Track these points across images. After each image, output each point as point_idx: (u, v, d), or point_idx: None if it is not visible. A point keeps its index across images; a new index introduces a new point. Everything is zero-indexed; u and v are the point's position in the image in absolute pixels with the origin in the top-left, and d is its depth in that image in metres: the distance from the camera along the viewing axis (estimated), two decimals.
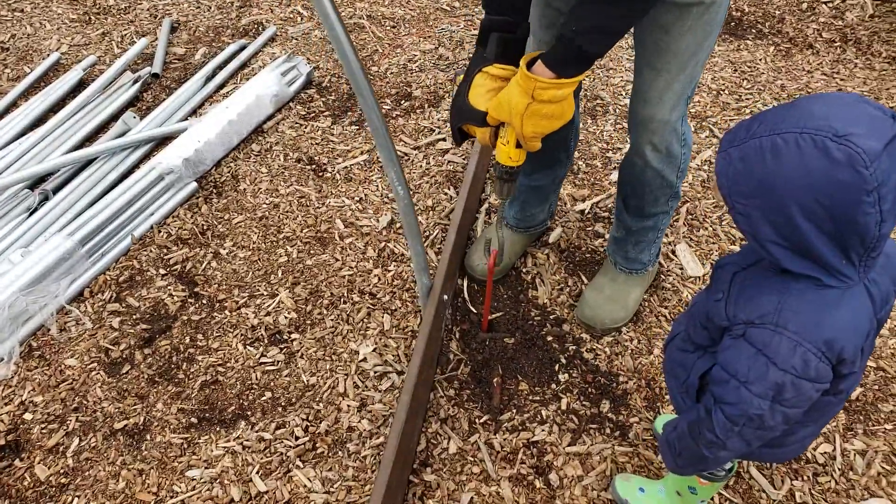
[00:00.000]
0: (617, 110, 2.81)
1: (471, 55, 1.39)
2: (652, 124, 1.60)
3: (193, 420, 1.86)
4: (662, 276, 2.16)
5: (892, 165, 0.86)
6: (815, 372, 1.01)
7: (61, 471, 1.77)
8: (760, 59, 3.09)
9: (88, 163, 2.58)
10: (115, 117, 2.83)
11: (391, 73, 3.09)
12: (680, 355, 1.28)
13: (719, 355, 1.12)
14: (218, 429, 1.84)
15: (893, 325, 2.00)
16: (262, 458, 1.77)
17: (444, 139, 2.70)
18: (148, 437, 1.83)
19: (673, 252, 2.24)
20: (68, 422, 1.87)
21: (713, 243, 2.26)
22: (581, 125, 2.74)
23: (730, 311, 1.10)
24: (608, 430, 1.80)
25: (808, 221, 0.92)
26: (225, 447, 1.80)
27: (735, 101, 2.85)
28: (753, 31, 3.30)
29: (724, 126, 2.72)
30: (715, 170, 1.02)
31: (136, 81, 2.94)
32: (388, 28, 3.40)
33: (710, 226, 2.32)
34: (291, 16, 3.51)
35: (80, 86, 3.00)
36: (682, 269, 2.18)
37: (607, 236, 2.27)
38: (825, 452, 1.71)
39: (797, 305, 1.01)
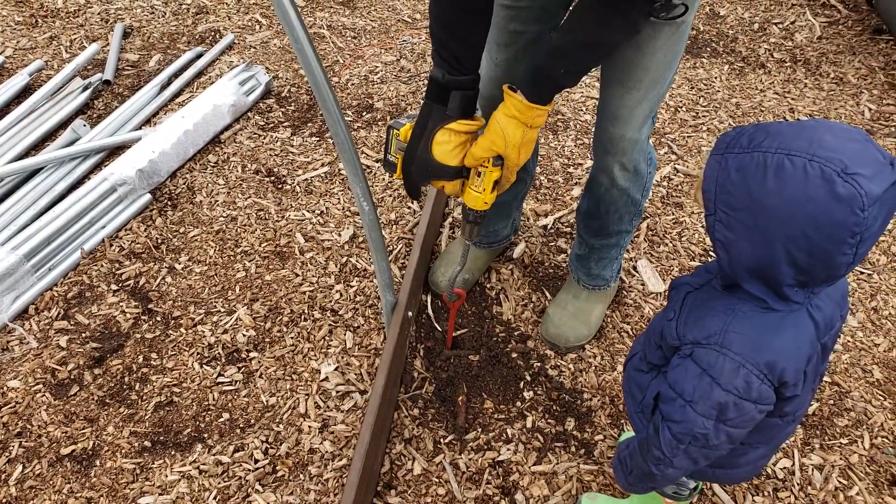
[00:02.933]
0: (578, 126, 2.83)
1: (423, 97, 1.41)
2: (622, 143, 1.60)
3: (147, 444, 1.78)
4: (624, 293, 2.18)
5: (880, 212, 0.87)
6: (756, 393, 1.03)
7: (3, 500, 1.67)
8: (716, 78, 3.16)
9: (34, 172, 2.47)
10: (63, 125, 2.72)
11: (352, 84, 3.05)
12: (637, 375, 1.29)
13: (668, 374, 1.14)
14: (173, 452, 1.77)
15: (846, 340, 2.05)
16: (219, 483, 1.70)
17: None
18: (97, 462, 1.75)
19: (634, 268, 2.26)
20: (11, 448, 1.77)
21: (673, 259, 2.29)
22: (543, 140, 2.75)
23: (680, 330, 1.12)
24: (573, 449, 1.79)
25: (784, 247, 0.91)
26: (180, 472, 1.73)
27: (692, 118, 2.91)
28: (709, 49, 3.37)
29: (682, 143, 2.77)
30: (704, 172, 0.99)
31: (86, 88, 2.84)
32: (349, 38, 3.36)
33: (671, 242, 2.35)
34: (250, 24, 3.44)
35: (26, 91, 2.87)
36: (643, 284, 2.21)
37: (570, 252, 2.28)
38: (785, 467, 1.74)
39: (741, 327, 1.03)
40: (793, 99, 3.04)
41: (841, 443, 1.81)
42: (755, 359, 1.01)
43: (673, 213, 2.45)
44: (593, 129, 1.69)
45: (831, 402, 1.90)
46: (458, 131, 1.40)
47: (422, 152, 1.42)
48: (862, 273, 2.25)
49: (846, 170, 0.85)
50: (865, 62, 3.27)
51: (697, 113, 2.94)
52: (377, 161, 2.65)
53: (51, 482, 1.71)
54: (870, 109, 2.97)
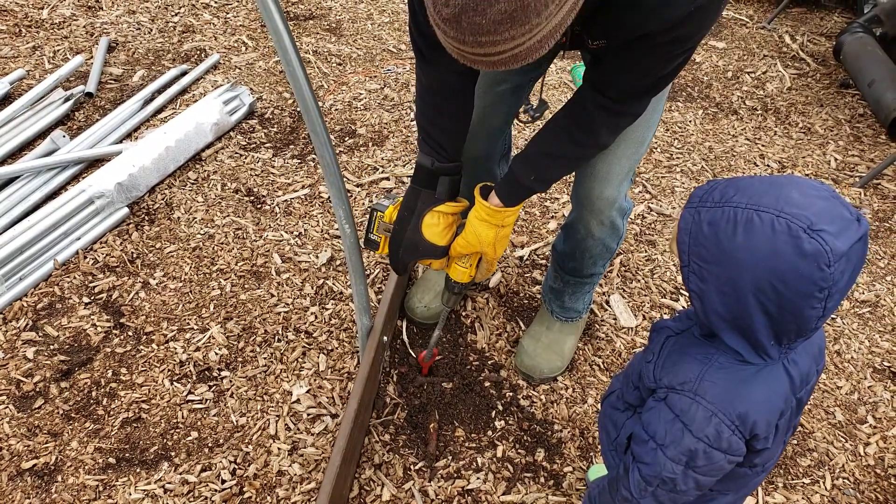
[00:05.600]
0: None
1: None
2: (599, 202, 1.63)
3: (111, 460, 1.75)
4: (596, 326, 2.21)
5: (847, 267, 0.89)
6: (726, 443, 1.04)
7: None
8: (690, 121, 3.26)
9: (10, 181, 2.44)
10: (42, 135, 2.70)
11: (336, 109, 3.09)
12: (613, 413, 1.31)
13: (643, 415, 1.16)
14: (138, 470, 1.74)
15: None
16: (184, 503, 1.68)
17: (387, 178, 2.71)
18: (59, 478, 1.71)
19: (607, 303, 2.29)
20: None
21: (645, 295, 2.34)
22: None
23: (657, 373, 1.14)
24: (542, 479, 1.80)
25: (755, 300, 0.94)
26: (145, 490, 1.70)
27: (667, 160, 2.99)
28: (684, 94, 3.48)
29: (656, 183, 2.84)
30: (679, 224, 1.02)
31: (67, 99, 2.83)
32: (335, 65, 3.41)
33: (643, 278, 2.40)
34: (236, 45, 3.47)
35: (6, 100, 2.85)
36: (615, 319, 2.24)
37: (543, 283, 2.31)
38: None
39: (716, 377, 1.05)
40: (763, 145, 3.15)
41: (803, 482, 1.85)
42: (727, 409, 1.02)
43: (646, 251, 2.51)
44: (572, 180, 1.71)
45: (794, 442, 1.94)
46: (446, 213, 1.50)
47: (411, 233, 1.50)
48: None
49: (812, 226, 0.88)
50: (832, 114, 3.40)
51: (672, 154, 3.03)
52: (357, 185, 2.67)
53: (10, 497, 1.66)
54: (835, 159, 3.09)
